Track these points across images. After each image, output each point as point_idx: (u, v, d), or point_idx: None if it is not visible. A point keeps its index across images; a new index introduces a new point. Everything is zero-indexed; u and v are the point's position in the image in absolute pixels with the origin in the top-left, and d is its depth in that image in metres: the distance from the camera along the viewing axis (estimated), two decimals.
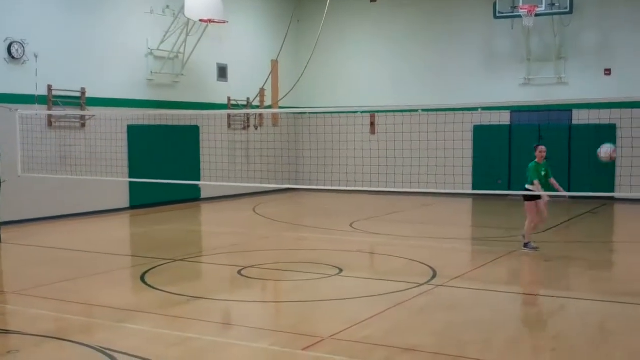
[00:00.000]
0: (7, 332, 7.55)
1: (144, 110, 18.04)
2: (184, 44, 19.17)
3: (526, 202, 11.67)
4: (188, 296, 8.68)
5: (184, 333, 7.09)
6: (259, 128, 21.90)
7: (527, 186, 11.62)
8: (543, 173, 11.46)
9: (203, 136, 19.94)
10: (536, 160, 11.64)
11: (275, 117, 22.33)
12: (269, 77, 20.89)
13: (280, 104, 21.61)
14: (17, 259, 12.17)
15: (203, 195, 20.34)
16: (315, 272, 10.09)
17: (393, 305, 8.09)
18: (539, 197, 11.53)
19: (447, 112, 18.25)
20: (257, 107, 21.51)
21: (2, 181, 13.23)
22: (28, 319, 7.86)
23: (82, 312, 8.04)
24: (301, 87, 21.97)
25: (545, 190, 11.51)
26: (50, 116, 16.22)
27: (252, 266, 10.51)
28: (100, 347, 6.53)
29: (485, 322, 7.49)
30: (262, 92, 21.59)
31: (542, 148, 11.76)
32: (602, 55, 19.88)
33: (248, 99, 21.54)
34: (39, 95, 15.97)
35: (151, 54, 18.78)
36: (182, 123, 19.31)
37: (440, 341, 6.80)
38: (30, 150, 14.86)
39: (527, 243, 11.60)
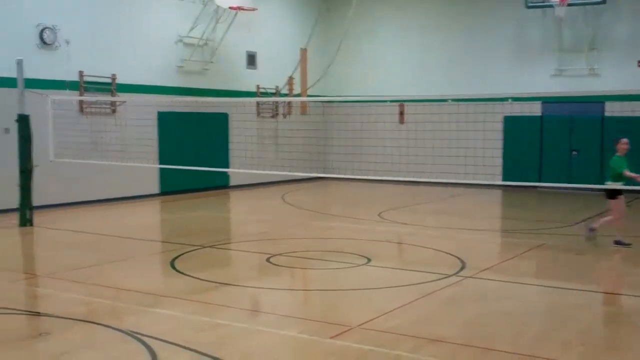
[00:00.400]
0: (38, 314, 7.66)
1: (174, 97, 18.13)
2: (213, 32, 19.21)
3: (611, 200, 11.06)
4: (217, 282, 8.73)
5: (212, 319, 7.13)
6: (287, 116, 21.91)
7: (608, 182, 11.03)
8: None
9: (232, 124, 20.03)
10: (618, 153, 10.99)
11: (303, 105, 22.31)
12: (297, 65, 20.87)
13: (309, 92, 21.58)
14: (49, 242, 12.35)
15: (232, 182, 20.42)
16: (344, 261, 10.08)
17: (421, 296, 8.06)
18: (621, 192, 10.98)
19: (477, 103, 18.10)
20: (286, 95, 21.52)
21: (34, 166, 13.39)
22: (59, 301, 7.95)
23: (111, 296, 8.11)
24: (330, 76, 21.91)
25: (626, 184, 10.90)
26: (81, 102, 16.37)
27: (280, 254, 10.53)
28: (130, 331, 6.59)
29: (514, 315, 7.43)
30: (290, 81, 21.57)
31: (625, 140, 11.05)
32: (635, 47, 19.53)
33: (277, 87, 21.55)
34: (70, 81, 16.13)
35: (181, 41, 18.86)
36: (211, 110, 19.38)
37: (468, 333, 6.77)
38: (61, 135, 14.99)
39: (618, 240, 11.12)
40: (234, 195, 19.56)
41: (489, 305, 7.88)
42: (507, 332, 6.80)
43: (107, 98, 16.88)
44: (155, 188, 18.33)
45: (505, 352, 6.16)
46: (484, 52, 21.49)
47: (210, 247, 11.31)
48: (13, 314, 7.46)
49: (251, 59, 21.24)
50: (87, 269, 9.62)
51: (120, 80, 17.13)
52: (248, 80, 20.94)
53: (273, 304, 8.00)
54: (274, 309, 7.75)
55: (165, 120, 18.30)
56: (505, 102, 18.91)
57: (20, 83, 13.25)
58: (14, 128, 13.47)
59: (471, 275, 9.18)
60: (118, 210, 15.94)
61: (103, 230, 13.10)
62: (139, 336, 6.42)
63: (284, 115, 21.90)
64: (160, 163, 17.47)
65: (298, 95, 21.23)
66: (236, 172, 18.99)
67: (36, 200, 13.69)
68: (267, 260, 10.13)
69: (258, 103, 21.08)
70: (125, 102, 16.90)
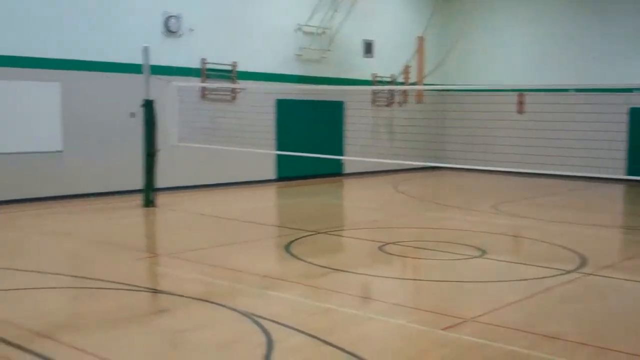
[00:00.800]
0: (158, 292, 7.98)
1: (291, 84, 18.40)
2: (331, 20, 19.32)
3: None
4: (330, 268, 8.82)
5: (324, 304, 7.21)
6: (403, 105, 21.79)
7: None
8: None
9: (347, 112, 20.12)
10: None
11: (419, 94, 22.11)
12: (414, 53, 20.69)
13: (425, 80, 21.38)
14: (170, 223, 12.85)
15: (346, 170, 20.55)
16: (457, 252, 9.95)
17: (538, 292, 7.84)
18: None
19: (601, 93, 17.40)
20: (402, 83, 21.40)
21: (158, 150, 13.93)
22: (178, 280, 8.26)
23: (228, 277, 8.35)
24: (447, 64, 21.61)
25: None
26: (203, 88, 16.88)
27: (392, 243, 10.52)
28: (245, 312, 6.76)
29: (635, 316, 7.12)
30: (407, 69, 21.42)
31: None
32: None
33: (393, 75, 21.46)
34: (193, 68, 16.65)
35: (300, 29, 19.08)
36: (327, 98, 19.54)
37: (586, 331, 6.53)
38: (184, 120, 15.51)
39: None
40: (348, 182, 19.67)
41: (608, 304, 7.58)
42: (627, 333, 6.52)
43: (228, 85, 17.32)
44: (271, 174, 18.71)
45: (623, 352, 5.91)
46: (609, 42, 20.56)
47: (324, 233, 11.44)
48: (136, 290, 7.81)
49: (368, 47, 21.23)
50: (205, 250, 9.95)
51: (240, 67, 17.55)
52: (364, 69, 20.96)
53: (384, 292, 8.00)
54: (385, 297, 7.75)
55: (283, 107, 18.61)
56: (632, 93, 18.09)
57: (146, 69, 13.80)
58: (140, 113, 14.05)
59: (591, 272, 8.85)
60: (236, 195, 16.38)
61: (221, 213, 13.50)
62: (253, 317, 6.58)
63: (400, 104, 21.79)
64: (278, 149, 17.81)
65: (414, 83, 21.07)
66: (350, 160, 19.10)
67: (159, 183, 14.26)
68: (380, 248, 10.14)
69: (374, 91, 21.07)
70: (245, 89, 17.31)
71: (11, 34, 13.95)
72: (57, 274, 8.69)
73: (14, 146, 14.24)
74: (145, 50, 13.77)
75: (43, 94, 14.51)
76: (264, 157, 17.64)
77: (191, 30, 16.51)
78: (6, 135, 14.09)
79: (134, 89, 14.63)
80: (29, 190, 14.42)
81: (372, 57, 21.27)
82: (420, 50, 20.55)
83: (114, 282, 7.97)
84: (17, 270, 8.64)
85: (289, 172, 18.85)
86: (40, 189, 14.55)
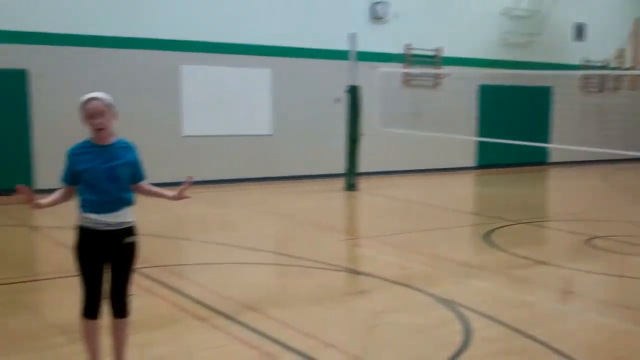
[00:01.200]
0: (358, 273, 8.18)
1: (496, 70, 17.99)
2: (540, 2, 18.60)
3: None
4: (532, 259, 8.57)
5: (526, 296, 7.03)
6: (616, 91, 20.53)
7: None
8: None
9: (555, 97, 19.33)
10: None
11: (634, 79, 20.71)
12: (629, 36, 19.40)
13: None
14: (370, 207, 13.11)
15: (551, 159, 19.77)
16: None
17: None
18: None
19: None
20: (616, 68, 20.15)
21: (361, 135, 14.20)
22: (377, 263, 8.42)
23: (426, 263, 8.40)
24: None
25: None
26: (406, 74, 16.94)
27: (599, 236, 9.99)
28: (443, 298, 6.75)
29: None
30: (621, 53, 20.13)
31: None
32: None
33: (605, 59, 20.26)
34: (396, 54, 16.76)
35: (506, 12, 18.55)
36: (533, 84, 18.87)
37: None
38: (388, 106, 15.66)
39: None
40: (553, 172, 18.92)
41: None
42: None
43: (431, 71, 17.24)
44: (471, 161, 18.44)
45: None
46: None
47: (524, 223, 11.12)
48: (337, 270, 8.06)
49: (578, 31, 20.19)
50: (404, 235, 10.05)
51: (444, 53, 17.40)
52: (573, 53, 19.98)
53: (591, 288, 7.63)
54: (592, 293, 7.39)
55: (486, 93, 18.24)
56: None
57: (352, 55, 14.06)
58: (345, 98, 14.37)
59: None
60: (435, 181, 16.34)
61: (420, 199, 13.55)
62: (452, 304, 6.55)
63: (614, 90, 20.55)
64: (479, 136, 17.51)
65: (629, 68, 19.78)
66: (556, 148, 18.35)
67: (362, 167, 14.57)
68: (586, 241, 9.67)
69: (584, 77, 20.04)
70: (448, 74, 17.15)
71: (228, 22, 14.83)
72: (265, 250, 9.19)
73: (232, 129, 15.17)
74: (352, 37, 14.02)
75: (256, 80, 15.32)
76: (464, 144, 17.43)
77: (397, 16, 16.61)
78: (225, 118, 15.04)
79: (338, 74, 15.00)
80: (243, 171, 15.29)
81: (582, 40, 20.20)
82: (636, 33, 19.25)
83: (316, 261, 8.27)
84: (230, 245, 9.24)
85: (489, 160, 18.47)
86: (252, 170, 15.39)
